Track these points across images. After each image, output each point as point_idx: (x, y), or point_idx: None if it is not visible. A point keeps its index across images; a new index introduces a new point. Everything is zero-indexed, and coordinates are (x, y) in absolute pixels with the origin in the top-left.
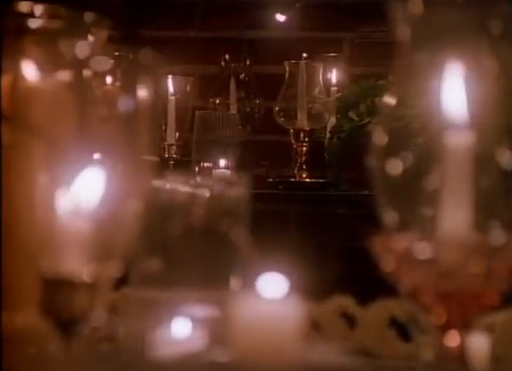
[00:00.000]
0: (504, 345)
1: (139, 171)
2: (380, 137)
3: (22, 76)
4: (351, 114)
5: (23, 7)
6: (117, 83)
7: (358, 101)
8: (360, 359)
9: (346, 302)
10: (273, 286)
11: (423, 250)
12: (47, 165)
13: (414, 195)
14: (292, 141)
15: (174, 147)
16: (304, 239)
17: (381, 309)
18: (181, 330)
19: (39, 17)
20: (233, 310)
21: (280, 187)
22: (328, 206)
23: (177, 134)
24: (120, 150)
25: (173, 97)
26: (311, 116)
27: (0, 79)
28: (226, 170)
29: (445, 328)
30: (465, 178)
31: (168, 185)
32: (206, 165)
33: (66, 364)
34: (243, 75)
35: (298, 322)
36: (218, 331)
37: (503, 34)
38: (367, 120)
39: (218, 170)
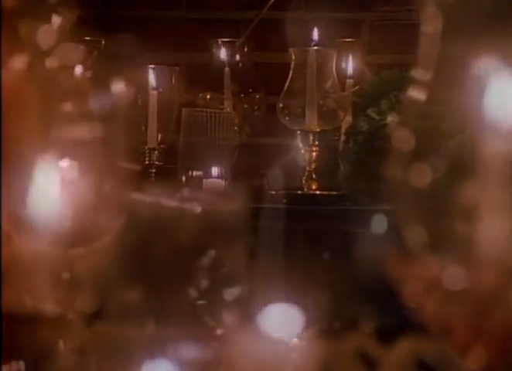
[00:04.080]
0: None
1: (115, 181)
2: (404, 140)
3: None
4: (370, 112)
5: None
6: (88, 75)
7: (379, 96)
8: None
9: (364, 341)
10: (277, 321)
11: (456, 276)
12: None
13: (444, 211)
14: (300, 144)
15: (156, 152)
16: (314, 263)
17: (407, 350)
18: None
19: None
20: (229, 350)
21: (284, 201)
22: (342, 224)
23: (160, 136)
24: (92, 155)
25: (155, 92)
26: (322, 114)
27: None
28: (219, 180)
29: None
30: (506, 190)
31: (149, 198)
32: (195, 173)
33: None
34: (239, 64)
35: (308, 365)
36: None
37: None
38: (390, 119)
39: (210, 180)
